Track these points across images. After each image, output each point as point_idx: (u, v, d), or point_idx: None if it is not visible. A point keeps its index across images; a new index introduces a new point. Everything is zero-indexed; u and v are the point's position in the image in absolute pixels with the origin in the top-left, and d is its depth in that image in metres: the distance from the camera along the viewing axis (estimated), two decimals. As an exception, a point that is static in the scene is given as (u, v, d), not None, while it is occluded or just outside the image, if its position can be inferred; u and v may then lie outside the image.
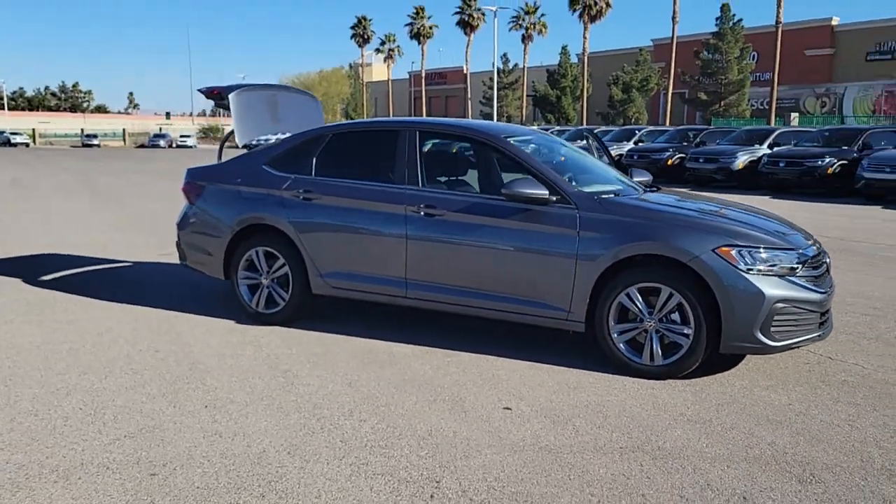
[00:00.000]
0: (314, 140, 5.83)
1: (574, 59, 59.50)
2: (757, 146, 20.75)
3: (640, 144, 24.76)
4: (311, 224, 5.57)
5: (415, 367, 4.80)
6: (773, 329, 4.38)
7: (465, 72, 79.52)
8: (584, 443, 3.69)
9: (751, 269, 4.38)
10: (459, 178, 5.74)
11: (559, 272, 4.77)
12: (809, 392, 4.44)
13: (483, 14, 63.31)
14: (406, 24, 66.63)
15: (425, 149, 5.47)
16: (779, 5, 44.30)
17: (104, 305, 6.30)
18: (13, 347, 5.11)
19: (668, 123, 47.07)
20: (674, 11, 47.95)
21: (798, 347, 4.64)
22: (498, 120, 56.10)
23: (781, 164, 18.63)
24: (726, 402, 4.26)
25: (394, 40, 72.79)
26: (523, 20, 60.90)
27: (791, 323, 4.43)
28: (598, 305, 4.71)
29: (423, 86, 68.26)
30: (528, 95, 62.73)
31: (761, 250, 4.46)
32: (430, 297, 5.23)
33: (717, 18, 50.54)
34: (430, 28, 66.71)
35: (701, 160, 20.89)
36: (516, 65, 64.50)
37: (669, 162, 22.04)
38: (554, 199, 4.83)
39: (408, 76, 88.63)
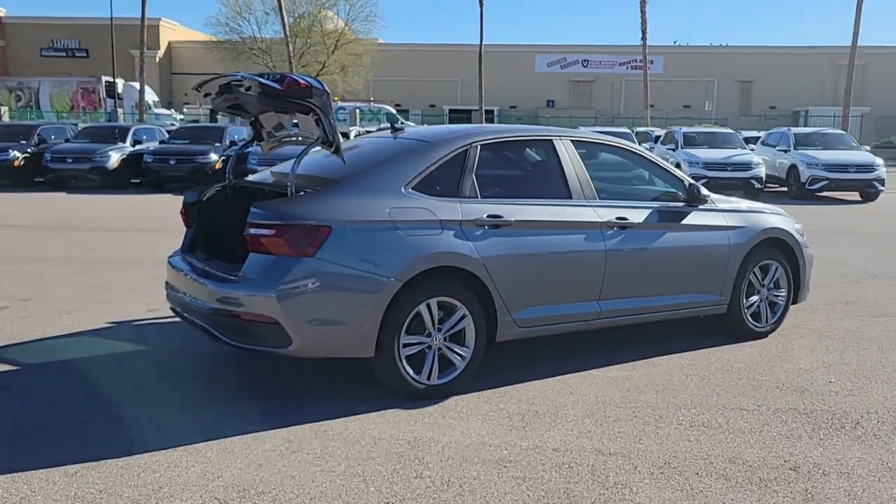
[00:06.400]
0: (461, 153, 4.52)
1: None
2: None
3: None
4: (504, 257, 4.44)
5: (682, 381, 4.72)
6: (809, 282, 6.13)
7: None
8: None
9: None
10: (614, 187, 5.41)
11: (720, 263, 5.41)
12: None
13: None
14: None
15: (581, 159, 5.00)
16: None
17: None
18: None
19: None
20: None
21: None
22: None
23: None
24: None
25: None
26: None
27: (807, 276, 6.24)
28: (736, 286, 5.54)
29: None
30: None
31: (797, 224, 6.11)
32: (621, 311, 5.03)
33: None
34: None
35: None
36: None
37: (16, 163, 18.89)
38: (706, 200, 5.39)
39: None
